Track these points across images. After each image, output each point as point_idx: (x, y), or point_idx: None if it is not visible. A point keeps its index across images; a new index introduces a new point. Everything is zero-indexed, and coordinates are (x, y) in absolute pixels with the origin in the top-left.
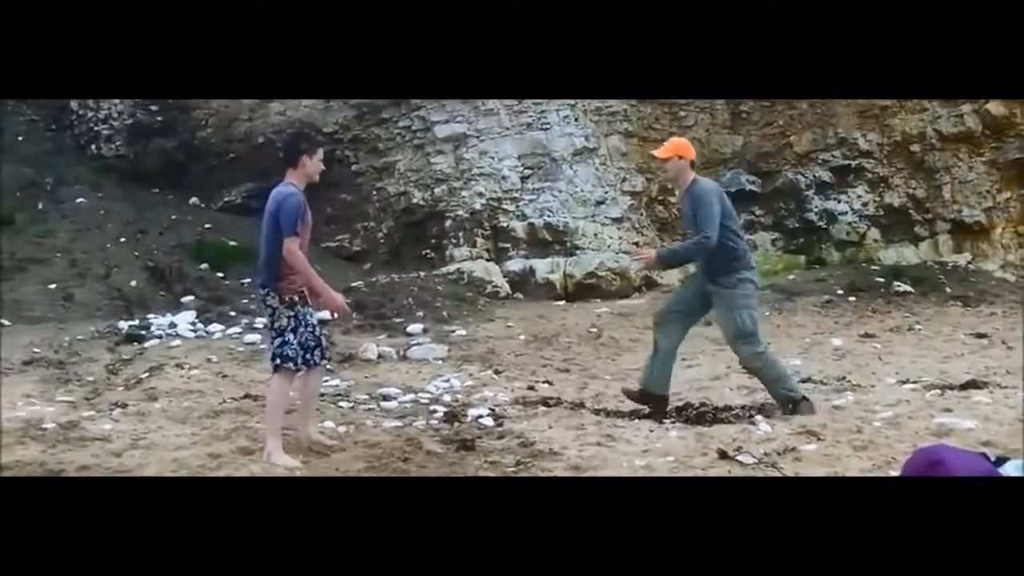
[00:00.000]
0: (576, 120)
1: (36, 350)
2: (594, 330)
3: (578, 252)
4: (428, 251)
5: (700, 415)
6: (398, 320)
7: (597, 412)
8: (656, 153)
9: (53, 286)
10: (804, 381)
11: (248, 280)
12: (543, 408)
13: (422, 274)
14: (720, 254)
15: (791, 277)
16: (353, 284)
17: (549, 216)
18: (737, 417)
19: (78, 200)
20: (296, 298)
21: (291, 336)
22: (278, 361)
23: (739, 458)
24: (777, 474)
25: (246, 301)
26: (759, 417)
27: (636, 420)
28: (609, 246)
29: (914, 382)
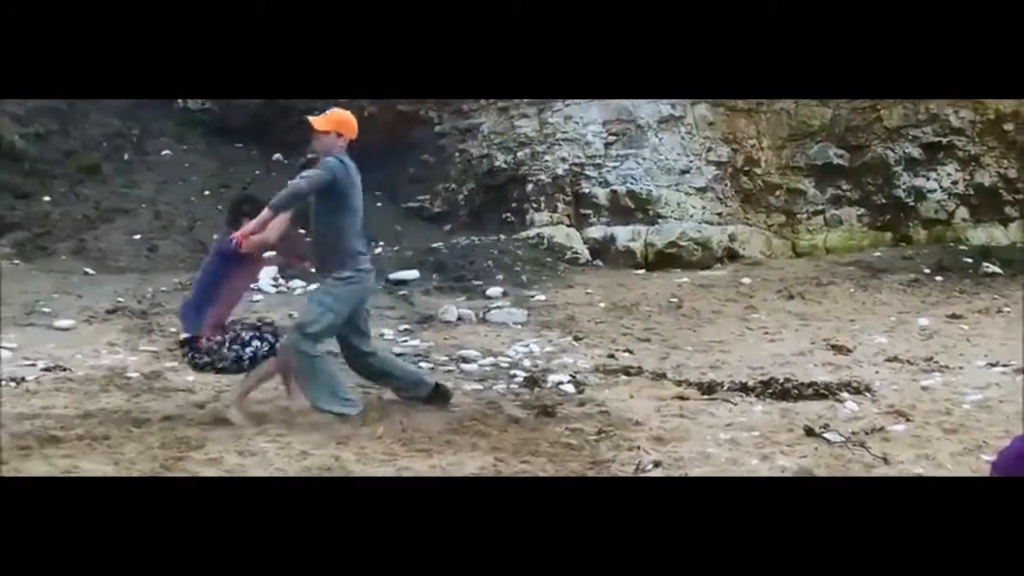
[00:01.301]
0: None
1: (120, 299)
2: (675, 300)
3: (660, 221)
4: (509, 215)
5: (785, 391)
6: (477, 283)
7: (679, 383)
8: (312, 121)
9: (138, 237)
10: (891, 360)
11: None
12: (624, 377)
13: (502, 237)
14: (333, 247)
15: (876, 254)
16: (433, 245)
17: (632, 183)
18: (822, 394)
19: (163, 152)
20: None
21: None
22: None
23: (826, 435)
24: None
25: None
26: (845, 395)
27: (720, 392)
28: (692, 216)
29: (1004, 365)
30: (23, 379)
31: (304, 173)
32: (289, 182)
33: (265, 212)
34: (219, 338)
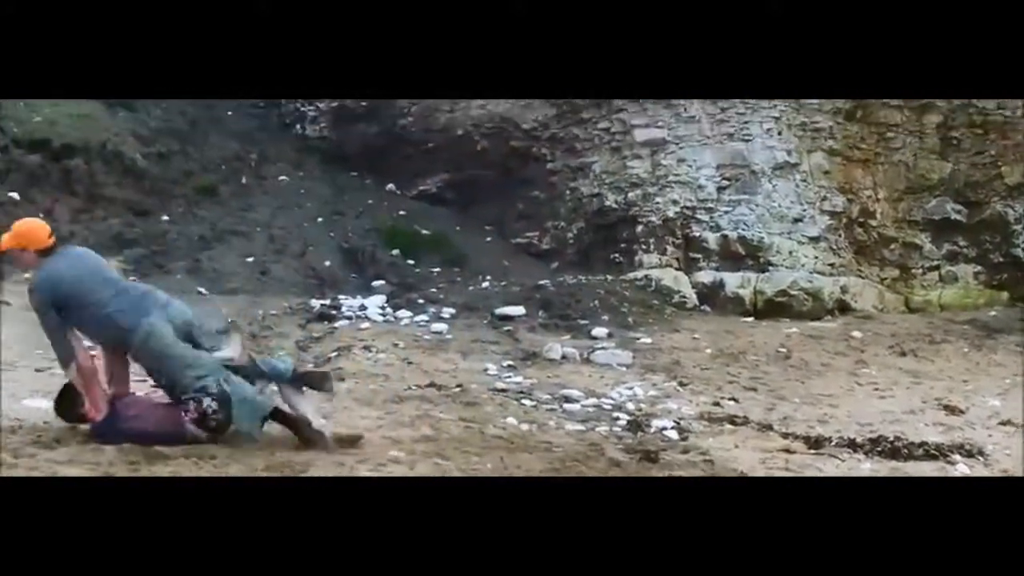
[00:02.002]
0: (779, 134)
1: (231, 320)
2: (783, 350)
3: (771, 269)
4: (617, 255)
5: (894, 449)
6: (583, 322)
7: (785, 436)
8: None
9: (251, 259)
10: (1004, 423)
11: (437, 269)
12: (729, 426)
13: (609, 278)
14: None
15: (992, 313)
16: (540, 282)
17: (744, 229)
18: (933, 455)
19: (280, 177)
20: None
21: None
22: None
23: None
24: None
25: (435, 290)
26: (957, 457)
27: (828, 447)
28: (803, 265)
29: None
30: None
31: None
32: None
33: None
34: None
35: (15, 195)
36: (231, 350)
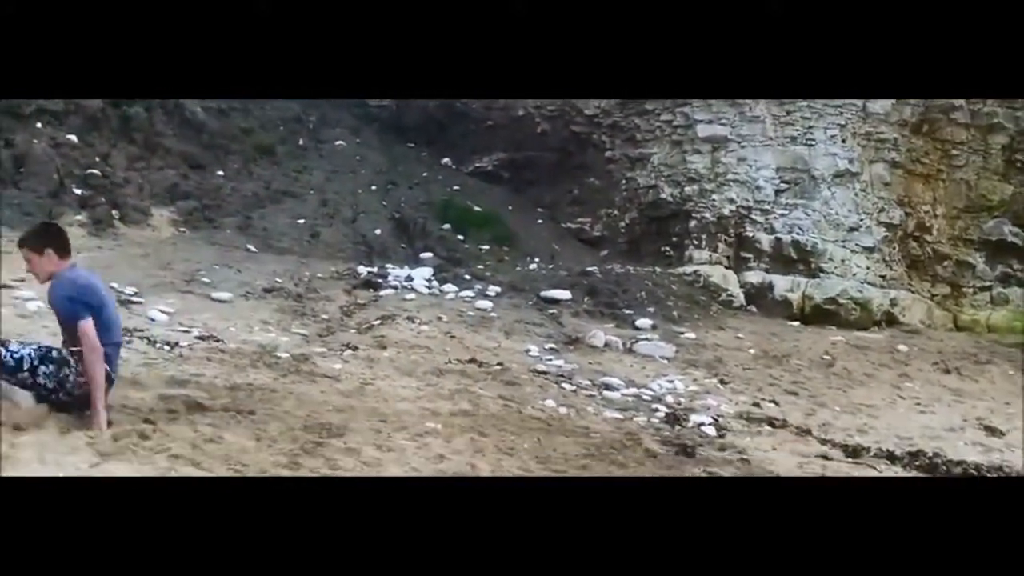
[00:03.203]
0: (843, 141)
1: (278, 280)
2: (827, 357)
3: (821, 275)
4: (667, 248)
5: (932, 465)
6: (628, 312)
7: (824, 442)
8: None
9: (302, 221)
10: None
11: (486, 247)
12: (768, 428)
13: (658, 270)
14: None
15: None
16: (588, 268)
17: (798, 234)
18: (971, 475)
19: (337, 142)
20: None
21: None
22: None
23: None
24: None
25: (482, 267)
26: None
27: (866, 457)
28: (855, 275)
29: None
30: (177, 344)
31: None
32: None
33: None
34: None
35: (73, 138)
36: None
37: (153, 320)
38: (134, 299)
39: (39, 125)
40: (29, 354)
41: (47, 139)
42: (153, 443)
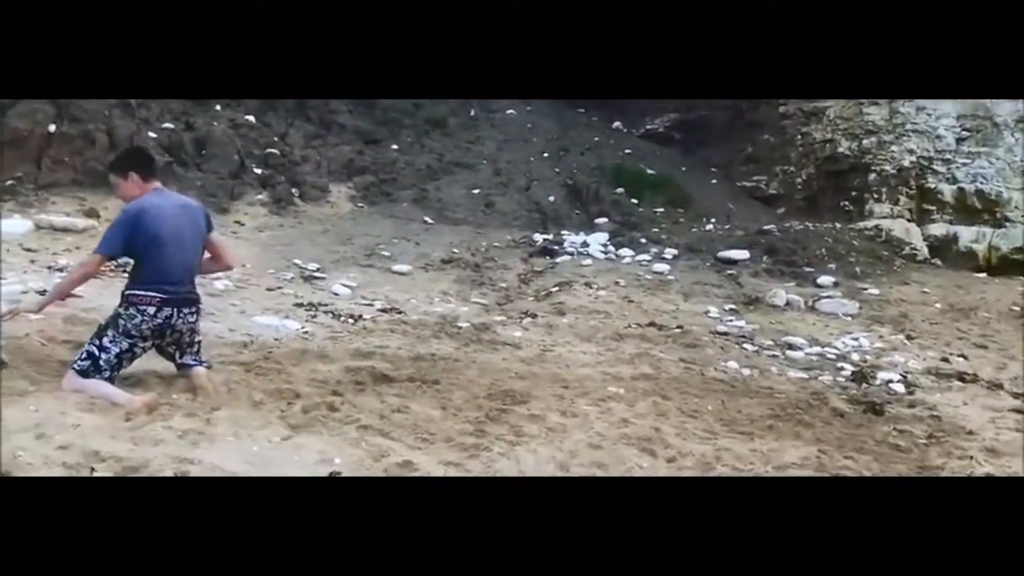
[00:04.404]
0: None
1: (455, 250)
2: (1016, 308)
3: (1007, 224)
4: (847, 203)
5: None
6: (808, 270)
7: (1017, 396)
8: None
9: (476, 191)
10: None
11: (660, 210)
12: (958, 383)
13: (838, 225)
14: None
15: None
16: (765, 227)
17: (982, 183)
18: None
19: (508, 111)
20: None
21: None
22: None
23: None
24: None
25: (657, 230)
26: None
27: None
28: None
29: None
30: (360, 317)
31: None
32: None
33: None
34: None
35: (251, 118)
36: None
37: (336, 294)
38: (317, 275)
39: (218, 108)
40: (91, 342)
41: (226, 121)
42: (342, 415)
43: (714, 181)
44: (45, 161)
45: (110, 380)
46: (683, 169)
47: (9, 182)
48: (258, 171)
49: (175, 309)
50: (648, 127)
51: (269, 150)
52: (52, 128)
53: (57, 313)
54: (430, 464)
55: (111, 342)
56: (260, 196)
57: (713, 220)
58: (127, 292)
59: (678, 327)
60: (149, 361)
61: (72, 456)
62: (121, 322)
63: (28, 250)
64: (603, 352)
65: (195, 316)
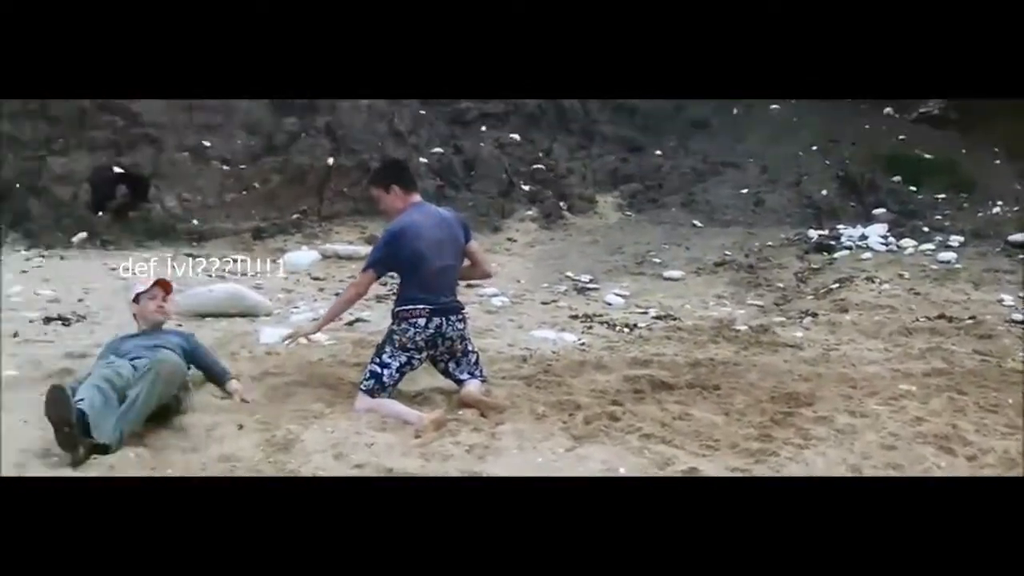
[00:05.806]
0: None
1: (727, 253)
2: None
3: None
4: None
5: None
6: None
7: None
8: None
9: (745, 191)
10: None
11: (942, 195)
12: None
13: None
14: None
15: None
16: None
17: None
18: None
19: (771, 107)
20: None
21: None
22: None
23: None
24: None
25: (940, 218)
26: None
27: None
28: None
29: None
30: (635, 325)
31: None
32: None
33: None
34: None
35: (516, 136)
36: None
37: (610, 304)
38: (589, 286)
39: (484, 128)
40: (372, 362)
41: (492, 141)
42: (623, 424)
43: (997, 162)
44: (326, 193)
45: (391, 394)
46: (963, 151)
47: (295, 216)
48: (526, 187)
49: (443, 318)
50: (922, 110)
51: (535, 166)
52: (330, 161)
53: (347, 338)
54: (715, 470)
55: (390, 357)
56: (529, 212)
57: (1000, 202)
58: (397, 309)
59: (970, 318)
60: (434, 379)
61: (368, 473)
62: (396, 337)
63: (316, 279)
64: (891, 348)
65: (463, 324)
